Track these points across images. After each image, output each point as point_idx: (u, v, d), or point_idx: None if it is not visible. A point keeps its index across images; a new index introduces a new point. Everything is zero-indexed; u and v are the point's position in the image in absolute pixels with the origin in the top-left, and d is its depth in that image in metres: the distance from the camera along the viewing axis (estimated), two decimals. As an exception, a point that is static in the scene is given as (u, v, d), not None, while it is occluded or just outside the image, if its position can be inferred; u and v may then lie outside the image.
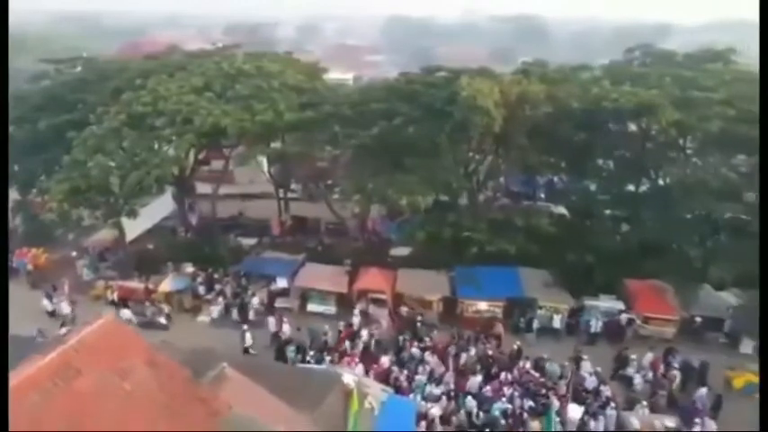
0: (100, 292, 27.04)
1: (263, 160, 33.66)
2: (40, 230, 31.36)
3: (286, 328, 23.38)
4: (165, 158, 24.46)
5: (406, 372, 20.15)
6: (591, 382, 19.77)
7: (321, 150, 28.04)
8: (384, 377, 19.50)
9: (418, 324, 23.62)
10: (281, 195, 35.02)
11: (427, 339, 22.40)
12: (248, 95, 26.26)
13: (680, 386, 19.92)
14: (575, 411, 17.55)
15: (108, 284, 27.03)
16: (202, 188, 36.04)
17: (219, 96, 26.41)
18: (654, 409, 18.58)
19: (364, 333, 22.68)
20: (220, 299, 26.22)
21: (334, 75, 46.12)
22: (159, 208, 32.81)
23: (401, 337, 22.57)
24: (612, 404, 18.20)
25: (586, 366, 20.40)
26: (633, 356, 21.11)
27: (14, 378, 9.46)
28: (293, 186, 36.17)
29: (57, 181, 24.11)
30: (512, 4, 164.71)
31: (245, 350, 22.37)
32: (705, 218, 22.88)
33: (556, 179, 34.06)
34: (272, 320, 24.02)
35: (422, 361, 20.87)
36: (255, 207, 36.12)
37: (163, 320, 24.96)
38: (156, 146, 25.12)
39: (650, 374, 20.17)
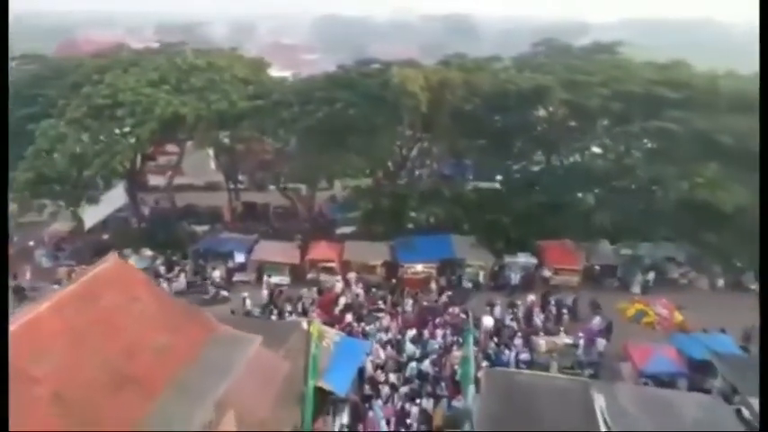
0: (63, 276, 28.52)
1: (211, 152, 35.86)
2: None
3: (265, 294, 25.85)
4: (126, 145, 26.38)
5: (363, 324, 23.23)
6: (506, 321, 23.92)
7: (272, 135, 30.38)
8: (346, 330, 22.32)
9: (374, 289, 26.84)
10: (231, 187, 37.06)
11: (381, 302, 25.51)
12: (203, 87, 28.42)
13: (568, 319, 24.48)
14: (488, 321, 21.82)
15: (71, 269, 28.42)
16: (154, 180, 37.95)
17: (176, 89, 28.35)
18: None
19: (342, 300, 25.15)
20: (182, 276, 28.30)
21: (272, 72, 48.31)
22: (113, 199, 34.18)
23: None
24: (519, 334, 22.35)
25: (498, 310, 24.43)
26: (519, 302, 25.25)
27: (48, 300, 12.03)
28: (240, 177, 38.45)
29: (21, 170, 25.32)
30: (444, 3, 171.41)
31: (247, 313, 24.15)
32: (594, 180, 27.69)
33: (480, 161, 37.96)
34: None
35: (377, 318, 23.87)
36: (205, 198, 37.59)
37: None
38: (117, 133, 26.83)
39: (542, 315, 24.35)
